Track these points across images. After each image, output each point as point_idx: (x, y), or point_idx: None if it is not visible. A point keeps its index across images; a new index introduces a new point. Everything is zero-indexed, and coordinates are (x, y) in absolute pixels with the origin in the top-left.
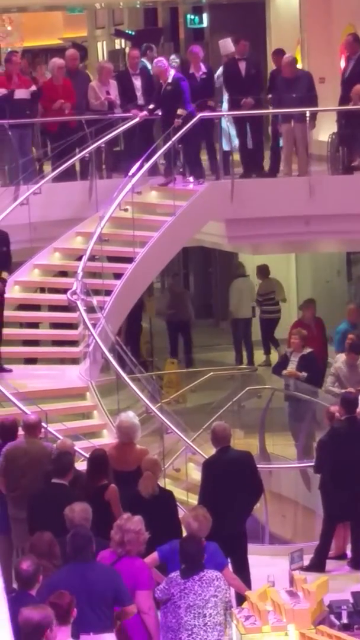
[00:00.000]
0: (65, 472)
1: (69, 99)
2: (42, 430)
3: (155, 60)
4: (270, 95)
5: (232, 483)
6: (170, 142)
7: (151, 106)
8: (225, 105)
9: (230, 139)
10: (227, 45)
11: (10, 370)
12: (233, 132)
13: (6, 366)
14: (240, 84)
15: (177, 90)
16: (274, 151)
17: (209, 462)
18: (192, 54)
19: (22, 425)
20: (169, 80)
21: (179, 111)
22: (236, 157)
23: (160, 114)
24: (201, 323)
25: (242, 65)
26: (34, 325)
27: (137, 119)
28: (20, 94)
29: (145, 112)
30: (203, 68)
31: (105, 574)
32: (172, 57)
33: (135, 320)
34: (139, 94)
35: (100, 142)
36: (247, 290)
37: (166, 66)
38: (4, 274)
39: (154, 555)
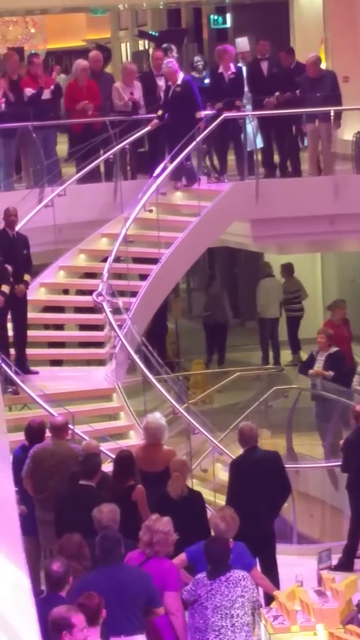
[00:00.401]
0: (93, 473)
1: (93, 100)
2: (69, 431)
3: (166, 60)
4: (277, 94)
5: (260, 483)
6: (194, 143)
7: (159, 112)
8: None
9: (254, 139)
10: (242, 43)
11: (36, 372)
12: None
13: (33, 368)
14: (262, 84)
15: (186, 92)
16: (293, 150)
17: (237, 462)
18: (225, 52)
19: (49, 427)
20: (178, 82)
21: (198, 114)
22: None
23: (166, 117)
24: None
25: (264, 65)
26: (61, 327)
27: (148, 127)
28: (45, 94)
29: (155, 120)
30: (232, 68)
31: (136, 575)
32: (197, 58)
33: (160, 321)
34: (163, 94)
35: (125, 143)
36: (275, 290)
37: (176, 67)
38: (26, 277)
39: (182, 556)
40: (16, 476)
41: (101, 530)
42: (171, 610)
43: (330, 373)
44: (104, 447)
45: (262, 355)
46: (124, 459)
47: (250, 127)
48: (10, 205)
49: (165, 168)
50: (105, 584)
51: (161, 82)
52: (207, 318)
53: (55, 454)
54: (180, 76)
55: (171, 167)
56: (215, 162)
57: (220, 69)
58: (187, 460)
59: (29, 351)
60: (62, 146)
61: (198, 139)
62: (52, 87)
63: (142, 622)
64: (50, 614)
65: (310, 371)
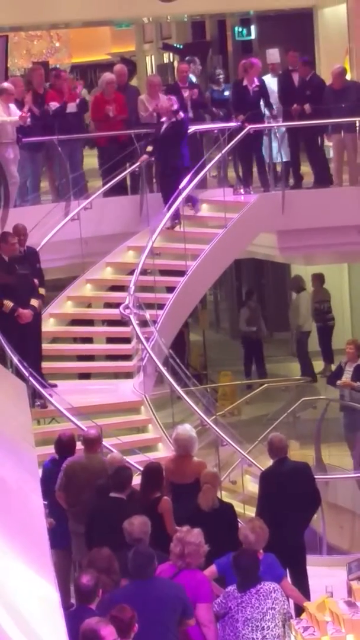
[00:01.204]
0: (124, 486)
1: (120, 113)
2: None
3: (166, 97)
4: (295, 105)
5: (290, 494)
6: (220, 155)
7: (149, 148)
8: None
9: (279, 152)
10: (273, 55)
11: (55, 385)
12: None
13: (51, 382)
14: (294, 95)
15: (179, 131)
16: (320, 161)
17: (267, 474)
18: (252, 65)
19: (81, 441)
20: (173, 120)
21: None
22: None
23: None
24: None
25: (296, 76)
26: (89, 340)
27: (138, 163)
28: (70, 107)
29: (145, 156)
30: (256, 81)
31: (171, 589)
32: (218, 71)
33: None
34: (188, 106)
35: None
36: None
37: (175, 102)
38: (42, 290)
39: (212, 568)
40: (46, 489)
41: (132, 542)
42: (204, 622)
43: (359, 384)
44: (133, 459)
45: (302, 368)
46: (151, 471)
47: (276, 140)
48: (19, 223)
49: (191, 180)
50: (140, 599)
51: (187, 94)
52: (250, 333)
53: (88, 468)
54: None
55: (197, 178)
56: (241, 173)
57: (245, 82)
58: (218, 472)
59: (57, 364)
60: (91, 159)
61: (223, 150)
62: (77, 101)
63: (176, 635)
64: (80, 626)
65: (339, 382)
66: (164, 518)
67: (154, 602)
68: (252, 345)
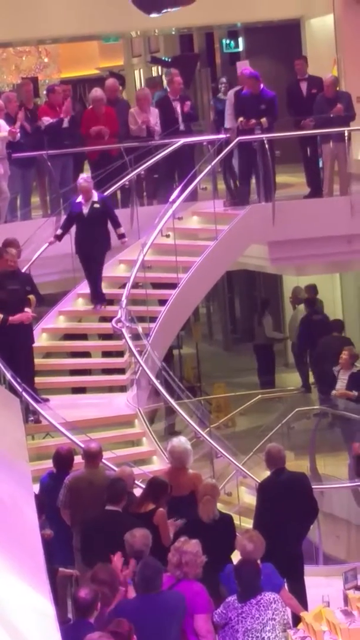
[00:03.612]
0: (118, 498)
1: (111, 127)
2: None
3: (82, 177)
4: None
5: (289, 504)
6: (210, 166)
7: (59, 232)
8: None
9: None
10: (243, 66)
11: (47, 400)
12: None
13: (43, 396)
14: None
15: (106, 209)
16: (314, 171)
17: (265, 484)
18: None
19: (82, 455)
20: (94, 199)
21: (119, 231)
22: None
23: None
24: (247, 346)
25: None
26: (83, 354)
27: (46, 245)
28: (64, 123)
29: (52, 239)
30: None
31: (176, 600)
32: (222, 80)
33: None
34: (180, 119)
35: (140, 169)
36: None
37: (92, 184)
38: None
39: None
40: (45, 504)
41: (133, 554)
42: (202, 633)
43: (355, 393)
44: None
45: (302, 379)
46: (156, 485)
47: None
48: (10, 237)
49: (182, 193)
50: (150, 613)
51: (178, 107)
52: (274, 340)
53: (93, 484)
54: (95, 193)
55: (187, 190)
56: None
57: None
58: (217, 484)
59: (50, 379)
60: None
61: (214, 162)
62: (68, 117)
63: None
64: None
65: (334, 392)
66: (160, 529)
67: (164, 616)
68: (269, 353)
